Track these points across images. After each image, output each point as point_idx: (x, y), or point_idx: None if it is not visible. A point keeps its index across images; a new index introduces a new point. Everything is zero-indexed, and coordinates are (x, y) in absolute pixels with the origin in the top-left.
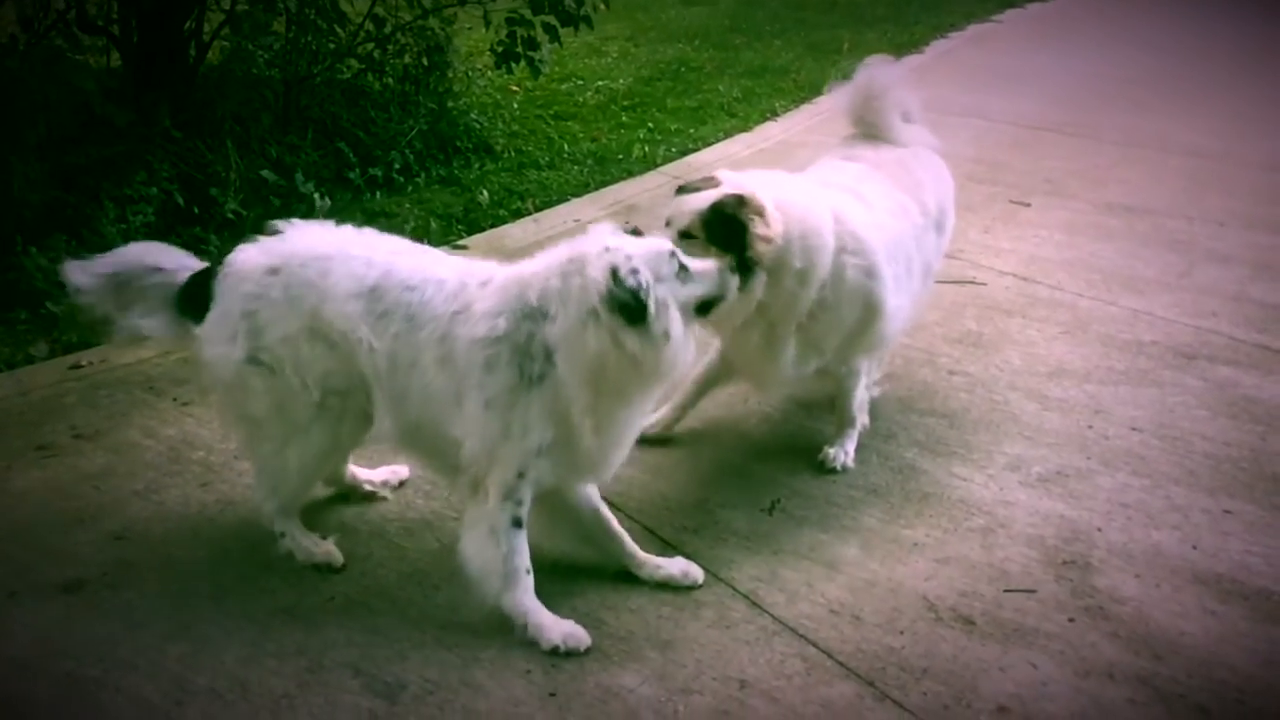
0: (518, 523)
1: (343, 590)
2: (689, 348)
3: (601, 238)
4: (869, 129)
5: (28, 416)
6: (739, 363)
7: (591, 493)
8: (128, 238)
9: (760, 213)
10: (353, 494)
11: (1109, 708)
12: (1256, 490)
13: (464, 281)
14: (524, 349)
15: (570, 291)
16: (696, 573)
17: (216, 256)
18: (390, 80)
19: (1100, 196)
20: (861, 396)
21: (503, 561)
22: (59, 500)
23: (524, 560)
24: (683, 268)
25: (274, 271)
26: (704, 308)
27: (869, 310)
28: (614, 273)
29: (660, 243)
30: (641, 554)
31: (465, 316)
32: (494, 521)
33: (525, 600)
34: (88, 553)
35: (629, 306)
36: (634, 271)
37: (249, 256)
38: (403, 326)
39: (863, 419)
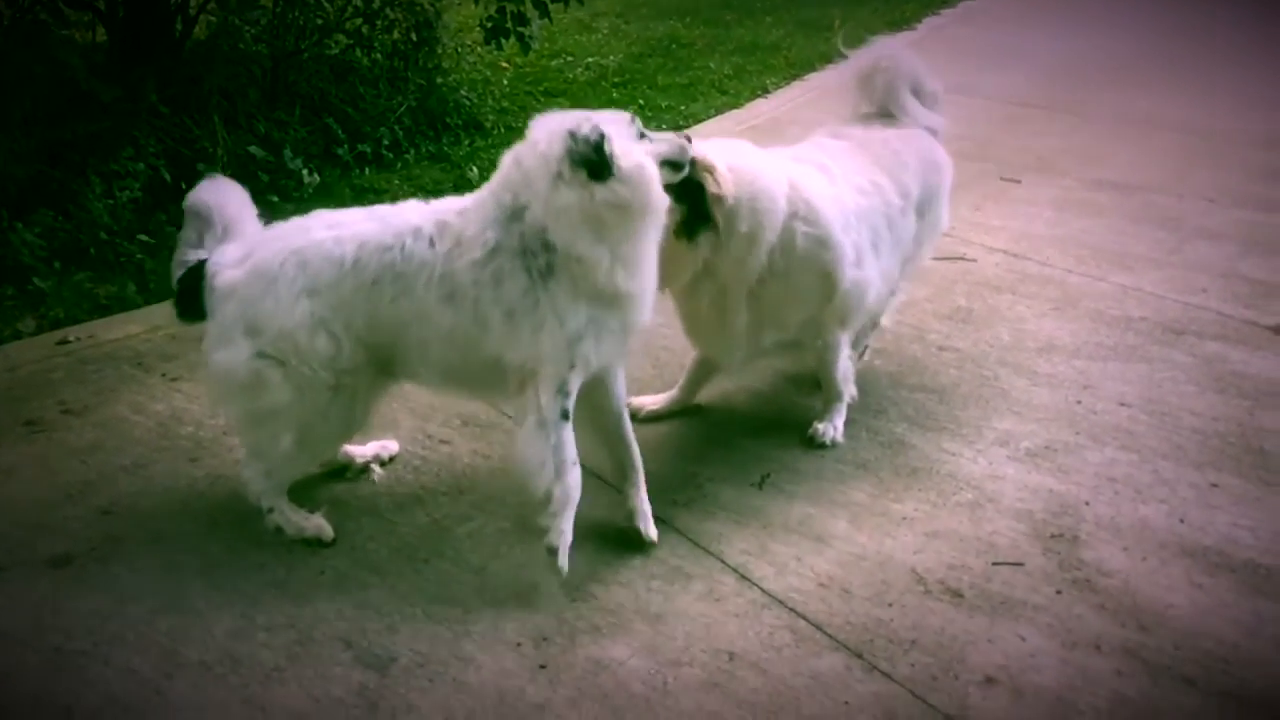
0: (565, 416)
1: (333, 564)
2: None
3: (549, 121)
4: (879, 108)
5: (15, 392)
6: (692, 331)
7: (621, 395)
8: (114, 213)
9: (710, 171)
10: (346, 469)
11: (1096, 678)
12: (1243, 464)
13: (439, 220)
14: (521, 249)
15: (534, 170)
16: (653, 533)
17: None
18: (379, 56)
19: (1090, 173)
20: (845, 369)
21: (553, 453)
22: (47, 475)
23: (572, 453)
24: (641, 134)
25: (256, 274)
26: (672, 167)
27: (825, 281)
28: (571, 135)
29: (616, 113)
30: (637, 484)
31: (457, 249)
32: (543, 416)
33: (573, 492)
34: (76, 527)
35: (591, 159)
36: (591, 128)
37: (227, 267)
38: (396, 287)
39: (850, 391)
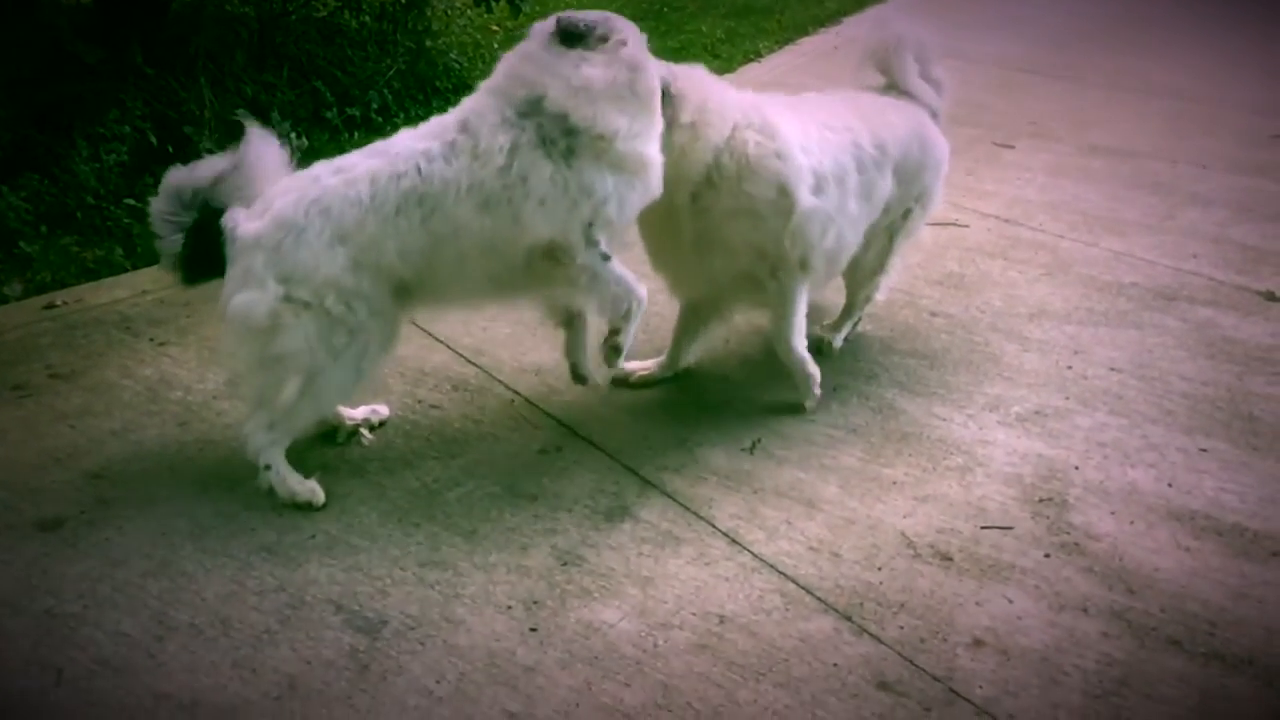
0: (607, 257)
1: (324, 528)
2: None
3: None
4: (885, 82)
5: (3, 356)
6: (653, 256)
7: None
8: (101, 177)
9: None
10: (336, 432)
11: (1082, 640)
12: (1232, 429)
13: (447, 139)
14: (541, 140)
15: (535, 62)
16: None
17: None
18: (367, 18)
19: (1084, 139)
20: (798, 345)
21: (615, 282)
22: (36, 440)
23: (627, 270)
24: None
25: (283, 227)
26: None
27: (780, 195)
28: (557, 21)
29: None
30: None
31: (477, 161)
32: (592, 269)
33: (644, 298)
34: (66, 491)
35: (574, 30)
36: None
37: (246, 219)
38: (423, 210)
39: (810, 371)
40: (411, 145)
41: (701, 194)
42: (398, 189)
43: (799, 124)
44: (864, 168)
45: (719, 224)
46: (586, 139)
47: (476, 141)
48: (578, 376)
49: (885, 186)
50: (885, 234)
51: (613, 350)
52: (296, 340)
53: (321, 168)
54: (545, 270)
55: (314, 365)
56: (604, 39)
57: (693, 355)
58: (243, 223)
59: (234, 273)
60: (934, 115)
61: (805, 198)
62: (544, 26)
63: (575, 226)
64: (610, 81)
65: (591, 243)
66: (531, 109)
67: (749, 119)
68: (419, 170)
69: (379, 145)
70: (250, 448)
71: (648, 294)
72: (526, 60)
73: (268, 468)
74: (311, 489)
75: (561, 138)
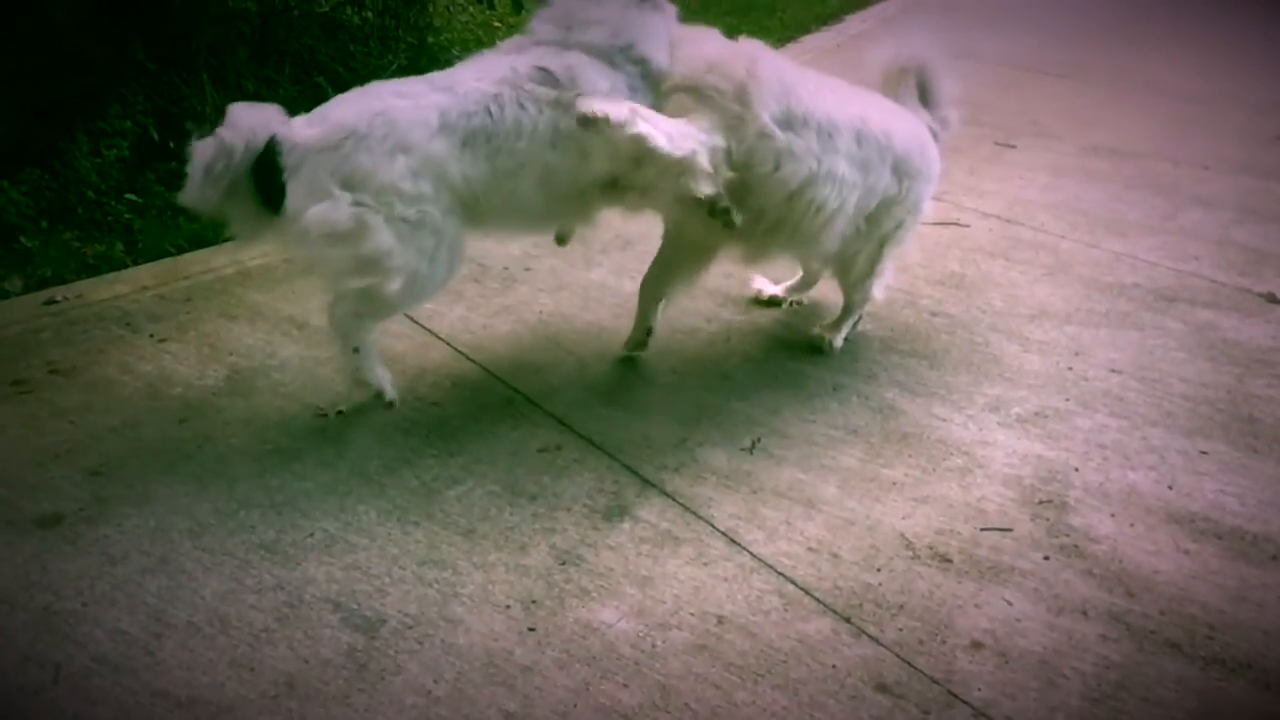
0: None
1: (322, 526)
2: None
3: None
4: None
5: (2, 352)
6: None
7: None
8: (102, 172)
9: None
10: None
11: (1081, 643)
12: (1232, 431)
13: (523, 86)
14: (629, 86)
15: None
16: None
17: None
18: (369, 14)
19: (1086, 139)
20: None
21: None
22: (35, 436)
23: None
24: None
25: (342, 132)
26: None
27: (740, 101)
28: None
29: None
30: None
31: (564, 95)
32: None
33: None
34: (65, 488)
35: None
36: None
37: (308, 128)
38: (491, 147)
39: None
40: (479, 87)
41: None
42: (467, 125)
43: (799, 74)
44: (864, 141)
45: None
46: (653, 81)
47: (580, 86)
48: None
49: (884, 176)
50: (876, 243)
51: (721, 209)
52: (387, 239)
53: (381, 87)
54: (597, 197)
55: (408, 266)
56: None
57: (692, 356)
58: (299, 129)
59: (296, 185)
60: (934, 136)
61: (765, 116)
62: None
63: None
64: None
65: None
66: (622, 57)
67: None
68: (489, 112)
69: (440, 79)
70: (338, 329)
71: None
72: (620, 14)
73: (356, 350)
74: (390, 382)
75: (626, 61)
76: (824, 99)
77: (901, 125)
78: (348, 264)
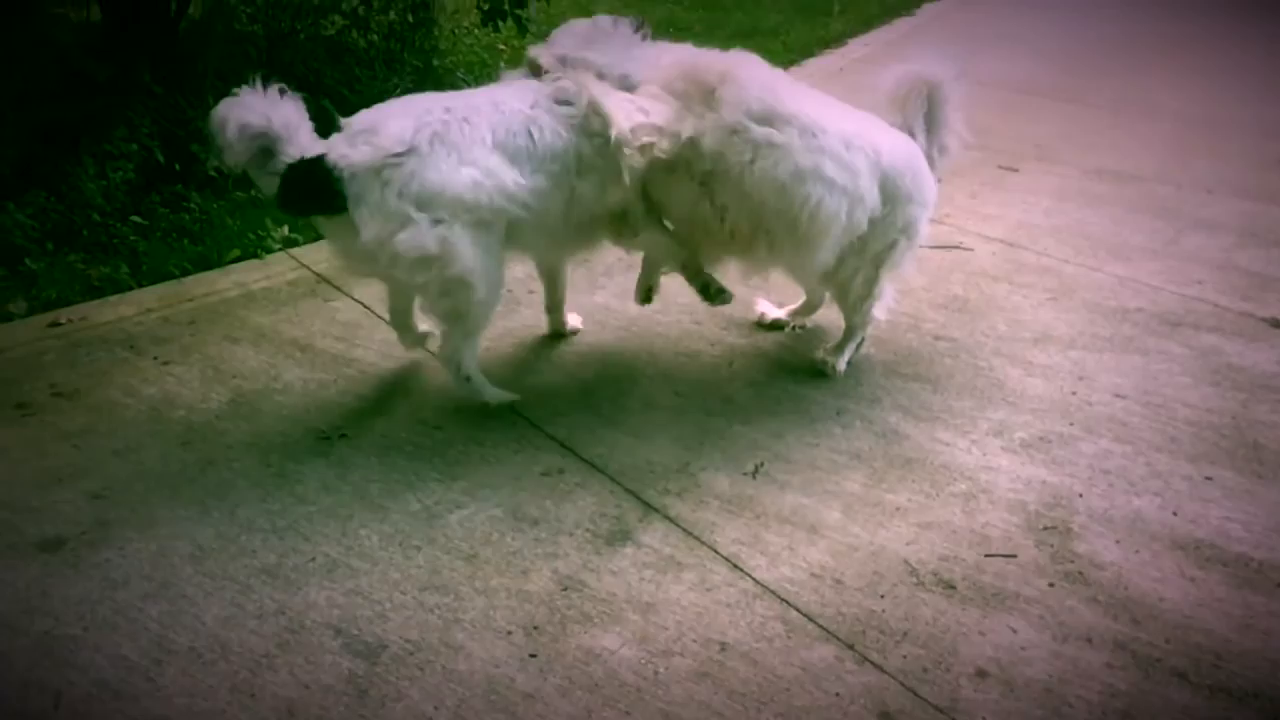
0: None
1: (324, 551)
2: None
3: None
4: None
5: (6, 374)
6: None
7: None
8: (107, 194)
9: None
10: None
11: (1087, 671)
12: (1237, 457)
13: (558, 112)
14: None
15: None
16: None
17: (197, 214)
18: (375, 37)
19: (1089, 162)
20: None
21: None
22: (38, 459)
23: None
24: None
25: (407, 150)
26: None
27: (718, 85)
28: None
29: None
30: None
31: (592, 135)
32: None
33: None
34: (67, 511)
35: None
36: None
37: (359, 147)
38: (530, 165)
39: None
40: (521, 108)
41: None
42: (514, 144)
43: (788, 82)
44: (852, 148)
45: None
46: None
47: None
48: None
49: (873, 190)
50: (871, 264)
51: (648, 291)
52: (469, 257)
53: (428, 101)
54: (600, 229)
55: (488, 274)
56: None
57: (695, 379)
58: (352, 153)
59: (366, 211)
60: (931, 163)
61: (738, 112)
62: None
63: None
64: None
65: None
66: (618, 85)
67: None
68: (530, 134)
69: (483, 100)
70: (455, 363)
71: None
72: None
73: (468, 379)
74: (506, 394)
75: None
76: (810, 104)
77: (892, 143)
78: (438, 285)
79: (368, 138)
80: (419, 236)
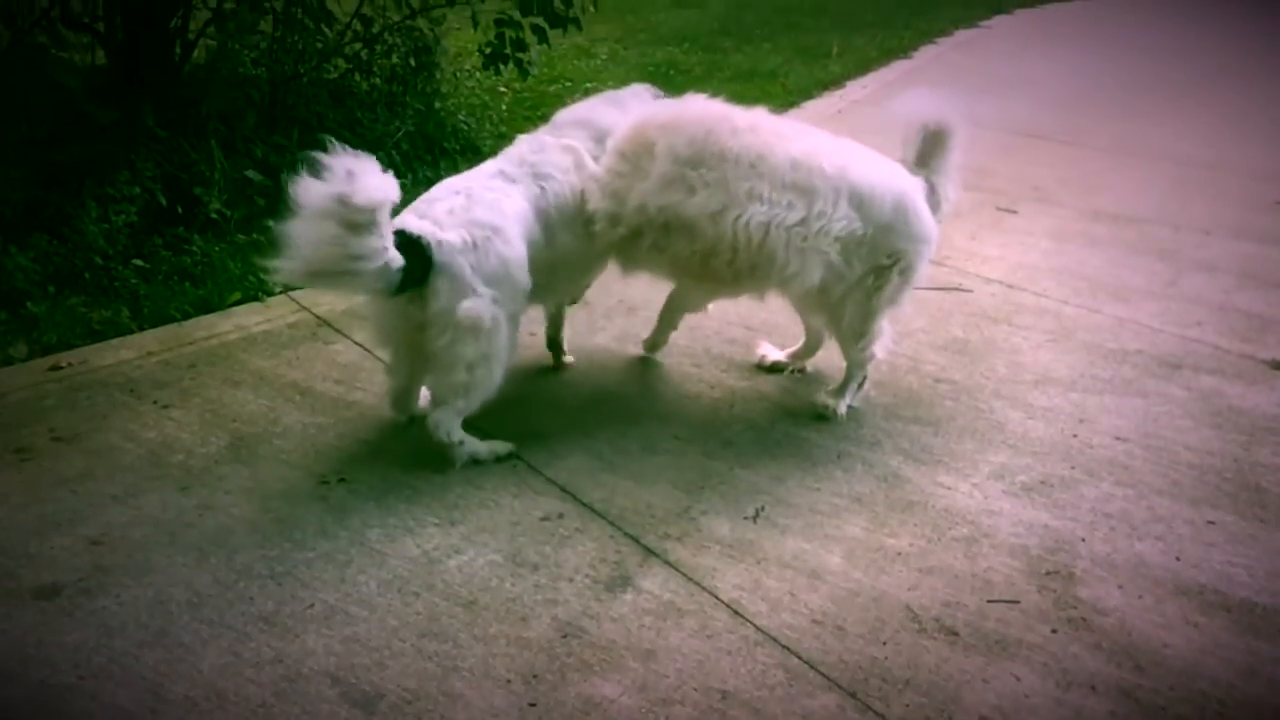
0: None
1: (322, 597)
2: None
3: None
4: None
5: (5, 419)
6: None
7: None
8: (110, 237)
9: None
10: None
11: (1091, 719)
12: (1239, 501)
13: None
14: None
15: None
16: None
17: (199, 257)
18: (378, 80)
19: (1087, 204)
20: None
21: None
22: (36, 504)
23: None
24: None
25: (479, 232)
26: None
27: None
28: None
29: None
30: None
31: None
32: None
33: None
34: (64, 558)
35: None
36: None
37: (440, 231)
38: (551, 231)
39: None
40: (543, 174)
41: None
42: (545, 209)
43: (745, 118)
44: (799, 167)
45: None
46: None
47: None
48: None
49: (840, 207)
50: (862, 294)
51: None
52: (504, 337)
53: (474, 182)
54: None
55: (506, 352)
56: None
57: (697, 422)
58: (441, 233)
59: (442, 282)
60: (931, 195)
61: (667, 161)
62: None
63: None
64: None
65: None
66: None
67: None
68: (548, 197)
69: (509, 167)
70: (444, 432)
71: None
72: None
73: (461, 443)
74: (502, 444)
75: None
76: (756, 137)
77: (868, 166)
78: (476, 354)
79: (443, 215)
80: (480, 308)
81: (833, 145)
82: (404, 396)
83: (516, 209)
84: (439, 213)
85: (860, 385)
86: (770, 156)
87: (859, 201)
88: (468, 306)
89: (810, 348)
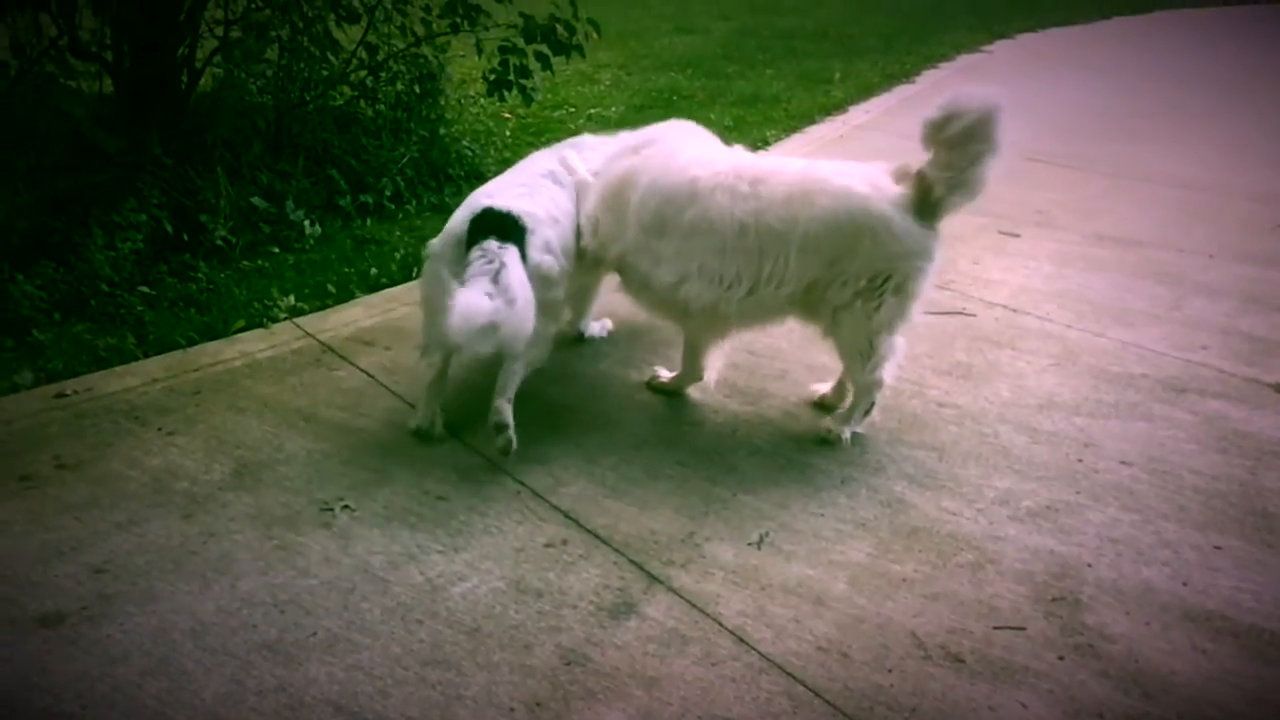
0: None
1: (325, 625)
2: None
3: None
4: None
5: (10, 446)
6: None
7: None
8: (115, 265)
9: None
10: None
11: None
12: (1246, 526)
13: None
14: None
15: None
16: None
17: (204, 283)
18: (383, 107)
19: (1090, 227)
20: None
21: None
22: (40, 532)
23: None
24: None
25: (546, 211)
26: None
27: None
28: None
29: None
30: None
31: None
32: None
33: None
34: (68, 585)
35: None
36: None
37: (528, 210)
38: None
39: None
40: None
41: None
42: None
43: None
44: (745, 233)
45: None
46: None
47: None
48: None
49: (785, 262)
50: (859, 315)
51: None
52: (562, 291)
53: (535, 181)
54: None
55: (558, 318)
56: None
57: (699, 449)
58: (528, 212)
59: (534, 241)
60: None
61: (637, 228)
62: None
63: None
64: None
65: None
66: None
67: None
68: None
69: (555, 169)
70: (503, 417)
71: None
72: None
73: (511, 429)
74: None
75: None
76: (711, 201)
77: (822, 205)
78: (544, 300)
79: (527, 194)
80: (553, 263)
81: (789, 188)
82: (440, 380)
83: (567, 207)
84: (510, 198)
85: (867, 412)
86: (720, 225)
87: (814, 244)
88: (547, 260)
89: (844, 386)
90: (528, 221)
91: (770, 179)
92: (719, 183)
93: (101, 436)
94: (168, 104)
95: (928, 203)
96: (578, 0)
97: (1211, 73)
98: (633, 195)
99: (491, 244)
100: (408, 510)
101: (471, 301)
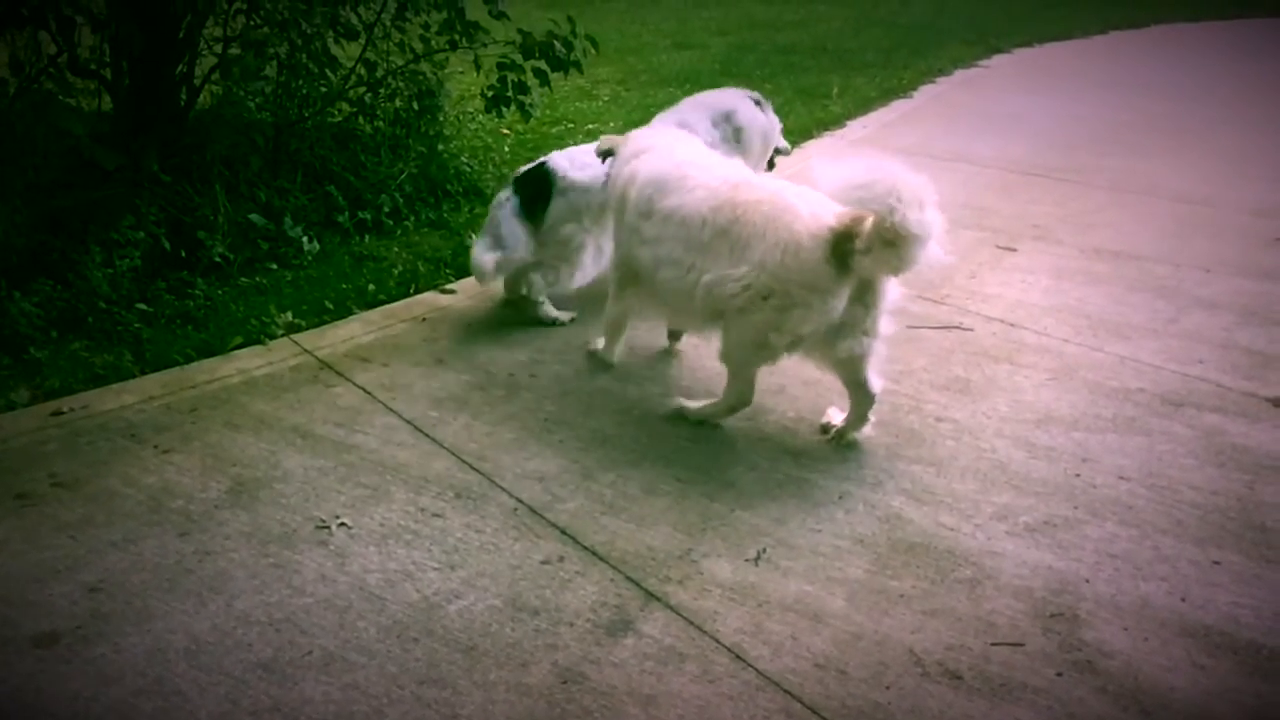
0: None
1: (320, 644)
2: None
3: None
4: None
5: (6, 464)
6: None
7: None
8: (113, 282)
9: None
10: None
11: None
12: (1244, 541)
13: None
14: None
15: None
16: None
17: (202, 300)
18: (381, 124)
19: (1087, 241)
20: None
21: None
22: (35, 550)
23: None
24: None
25: (582, 179)
26: None
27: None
28: None
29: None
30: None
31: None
32: None
33: None
34: (63, 605)
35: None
36: None
37: (565, 174)
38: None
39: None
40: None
41: None
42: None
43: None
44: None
45: None
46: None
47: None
48: None
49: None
50: (737, 320)
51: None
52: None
53: (574, 156)
54: None
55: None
56: None
57: (697, 465)
58: (565, 175)
59: (559, 203)
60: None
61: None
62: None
63: None
64: None
65: None
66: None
67: None
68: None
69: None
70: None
71: None
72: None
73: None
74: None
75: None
76: (692, 195)
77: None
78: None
79: (578, 168)
80: (574, 228)
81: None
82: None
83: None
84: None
85: (861, 422)
86: (691, 218)
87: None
88: (564, 229)
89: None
90: (560, 180)
91: (746, 184)
92: (696, 174)
93: (98, 454)
94: (166, 121)
95: (841, 250)
96: (576, 17)
97: (1209, 86)
98: (632, 181)
99: (501, 196)
100: (404, 528)
101: (474, 255)
